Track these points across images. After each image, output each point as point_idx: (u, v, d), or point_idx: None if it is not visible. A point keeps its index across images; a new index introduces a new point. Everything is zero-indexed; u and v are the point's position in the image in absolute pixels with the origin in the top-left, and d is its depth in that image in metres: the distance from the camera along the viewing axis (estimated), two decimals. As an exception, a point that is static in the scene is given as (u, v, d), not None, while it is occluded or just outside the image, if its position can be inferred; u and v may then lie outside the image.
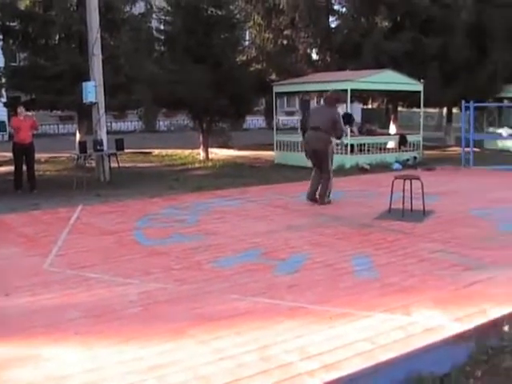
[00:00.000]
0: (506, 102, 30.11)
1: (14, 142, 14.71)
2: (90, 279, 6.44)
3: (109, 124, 24.32)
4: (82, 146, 15.99)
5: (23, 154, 14.49)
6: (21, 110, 14.60)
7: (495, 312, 5.25)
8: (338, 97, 11.78)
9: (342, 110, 11.73)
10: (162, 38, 21.41)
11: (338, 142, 12.18)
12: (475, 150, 19.74)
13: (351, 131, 20.36)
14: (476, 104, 18.91)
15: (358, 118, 24.79)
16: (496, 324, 5.12)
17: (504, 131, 22.66)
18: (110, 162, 16.31)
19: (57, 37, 19.14)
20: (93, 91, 15.56)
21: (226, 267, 6.80)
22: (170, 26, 21.18)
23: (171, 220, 9.79)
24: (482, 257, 7.16)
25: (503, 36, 27.56)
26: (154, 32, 21.62)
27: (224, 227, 9.16)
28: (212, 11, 20.69)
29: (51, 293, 6.04)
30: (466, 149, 18.38)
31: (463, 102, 18.74)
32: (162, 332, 4.90)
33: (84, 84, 15.61)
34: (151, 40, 21.38)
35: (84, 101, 15.67)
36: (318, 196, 11.19)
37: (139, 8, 21.04)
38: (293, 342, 4.67)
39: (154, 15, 21.47)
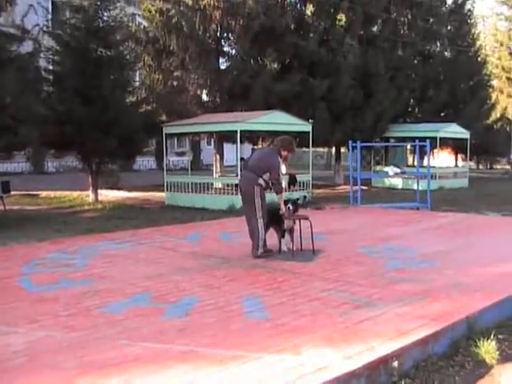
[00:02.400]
0: (392, 142, 31.20)
1: None
2: (-27, 329, 6.16)
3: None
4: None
5: None
6: None
7: (383, 349, 5.34)
8: (283, 144, 10.24)
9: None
10: (51, 78, 21.08)
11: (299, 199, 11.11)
12: (363, 188, 20.27)
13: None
14: (363, 144, 19.44)
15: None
16: (385, 360, 5.20)
17: (390, 170, 23.39)
18: (-5, 205, 15.88)
19: None
20: (-23, 133, 15.16)
21: (116, 312, 6.66)
22: (59, 66, 20.89)
23: (59, 264, 9.52)
24: (371, 294, 7.31)
25: (387, 77, 28.67)
26: (43, 72, 21.25)
27: (114, 271, 9.00)
28: (102, 52, 20.55)
29: None
30: (354, 187, 18.82)
31: (350, 141, 19.23)
32: (48, 382, 4.74)
33: (-33, 126, 15.19)
34: (39, 80, 20.98)
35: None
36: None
37: (27, 47, 20.68)
38: (184, 388, 4.61)
39: (42, 55, 21.14)
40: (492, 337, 6.05)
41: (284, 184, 10.54)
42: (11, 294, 7.60)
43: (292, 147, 10.37)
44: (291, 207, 10.30)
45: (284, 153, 10.14)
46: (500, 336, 6.33)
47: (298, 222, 10.29)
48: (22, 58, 19.42)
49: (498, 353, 5.86)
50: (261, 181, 9.84)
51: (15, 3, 19.37)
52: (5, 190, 16.09)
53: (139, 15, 27.52)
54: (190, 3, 22.76)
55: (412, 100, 34.21)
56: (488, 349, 5.82)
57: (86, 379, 4.79)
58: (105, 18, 20.90)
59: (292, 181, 10.95)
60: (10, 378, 4.87)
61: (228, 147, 26.64)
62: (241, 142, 20.52)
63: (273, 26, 23.51)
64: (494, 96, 43.45)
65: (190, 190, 20.59)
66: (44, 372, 4.96)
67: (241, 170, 10.64)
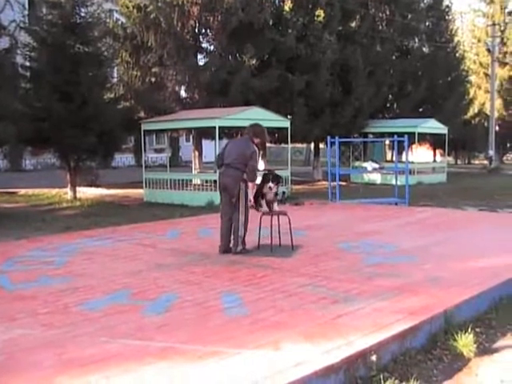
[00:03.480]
0: (370, 137, 31.31)
1: None
2: (-51, 329, 6.11)
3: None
4: None
5: None
6: None
7: (362, 343, 5.37)
8: (254, 131, 10.10)
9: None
10: (28, 74, 20.95)
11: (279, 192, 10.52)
12: (342, 183, 20.32)
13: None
14: (341, 139, 19.47)
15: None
16: (363, 354, 5.23)
17: (369, 165, 23.43)
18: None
19: None
20: (-47, 131, 15.04)
21: (95, 309, 6.64)
22: (36, 63, 20.77)
23: (38, 262, 9.47)
24: (349, 289, 7.34)
25: (365, 73, 28.76)
26: (20, 68, 21.12)
27: (92, 268, 8.97)
28: (79, 48, 20.45)
29: None
30: (333, 183, 18.86)
31: (329, 137, 19.26)
32: (27, 381, 4.72)
33: None
34: (16, 76, 20.85)
35: None
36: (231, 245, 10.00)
37: (3, 43, 20.55)
38: (163, 384, 4.62)
39: (19, 51, 21.01)
40: (469, 330, 6.11)
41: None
42: (-11, 293, 7.56)
43: (264, 135, 10.21)
44: (272, 185, 10.20)
45: (256, 140, 9.99)
46: (477, 329, 6.39)
47: (276, 217, 10.28)
48: (-1, 55, 19.27)
49: (475, 346, 5.91)
50: (245, 176, 9.73)
51: (-9, 0, 19.26)
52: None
53: (117, 11, 27.37)
54: (168, -1, 22.71)
55: (390, 95, 34.31)
56: (465, 342, 5.87)
57: (65, 377, 4.77)
58: (82, 14, 20.81)
59: (275, 178, 10.70)
60: (-12, 376, 4.86)
61: (207, 143, 26.59)
62: (219, 138, 20.53)
63: (251, 22, 23.48)
64: (471, 91, 43.83)
65: (168, 186, 20.56)
66: (23, 370, 4.94)
67: (219, 167, 10.26)
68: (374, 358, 5.28)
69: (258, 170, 10.02)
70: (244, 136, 10.31)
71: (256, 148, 9.87)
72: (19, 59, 21.24)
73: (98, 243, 11.24)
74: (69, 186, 21.69)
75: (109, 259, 9.67)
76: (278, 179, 10.52)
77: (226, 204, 10.01)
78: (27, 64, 21.21)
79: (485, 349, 6.04)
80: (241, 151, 9.83)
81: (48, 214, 17.50)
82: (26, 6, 28.26)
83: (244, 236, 9.93)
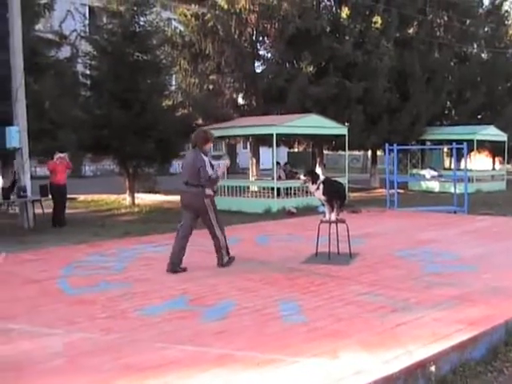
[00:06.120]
0: (428, 144, 30.95)
1: (51, 184, 16.21)
2: (12, 331, 6.22)
3: (33, 169, 23.85)
4: (6, 193, 15.74)
5: (59, 193, 16.19)
6: (57, 154, 16.27)
7: (421, 353, 5.30)
8: (204, 136, 9.63)
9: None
10: (88, 82, 21.31)
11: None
12: (400, 191, 20.14)
13: (279, 177, 20.63)
14: (399, 147, 19.32)
15: (283, 161, 25.02)
16: (422, 365, 5.16)
17: (427, 172, 23.19)
18: (33, 208, 16.03)
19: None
20: (16, 136, 15.31)
21: (153, 315, 6.69)
22: (96, 71, 21.11)
23: (97, 267, 9.60)
24: (408, 298, 7.26)
25: (423, 80, 28.48)
26: (80, 77, 21.50)
27: (151, 274, 9.05)
28: (138, 56, 20.72)
29: (-31, 346, 5.79)
30: (391, 191, 18.72)
31: (387, 144, 19.13)
32: (86, 384, 4.79)
33: (7, 129, 15.28)
34: (77, 84, 21.24)
35: (7, 146, 15.38)
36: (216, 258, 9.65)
37: (65, 52, 20.93)
38: (221, 391, 4.62)
39: (79, 60, 21.39)
40: (531, 342, 5.99)
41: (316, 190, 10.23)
42: (50, 296, 7.68)
43: (207, 137, 9.63)
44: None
45: (207, 146, 9.53)
46: (539, 341, 6.25)
47: (334, 225, 10.22)
48: (60, 64, 19.72)
49: (537, 358, 5.79)
50: (208, 191, 9.33)
51: (53, 9, 19.64)
52: (43, 193, 16.28)
53: (175, 20, 27.69)
54: (226, 7, 22.87)
55: (448, 102, 33.94)
56: (527, 354, 5.77)
57: (122, 381, 4.82)
58: (141, 23, 21.10)
59: (335, 194, 10.48)
60: (48, 379, 4.93)
61: (264, 151, 26.66)
62: (277, 145, 20.53)
63: (308, 29, 23.51)
64: (532, 98, 42.96)
65: (226, 193, 20.63)
66: (81, 374, 5.00)
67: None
68: (433, 368, 5.20)
69: (214, 176, 9.43)
70: (193, 149, 9.69)
71: (204, 157, 9.39)
72: (80, 68, 21.63)
73: (156, 249, 11.34)
74: (127, 192, 21.96)
75: (167, 265, 9.72)
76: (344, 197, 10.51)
77: (187, 219, 9.63)
78: (87, 72, 21.59)
79: (547, 361, 5.91)
80: (191, 168, 9.39)
81: (107, 219, 17.73)
82: (87, 15, 28.77)
83: (226, 245, 9.62)
